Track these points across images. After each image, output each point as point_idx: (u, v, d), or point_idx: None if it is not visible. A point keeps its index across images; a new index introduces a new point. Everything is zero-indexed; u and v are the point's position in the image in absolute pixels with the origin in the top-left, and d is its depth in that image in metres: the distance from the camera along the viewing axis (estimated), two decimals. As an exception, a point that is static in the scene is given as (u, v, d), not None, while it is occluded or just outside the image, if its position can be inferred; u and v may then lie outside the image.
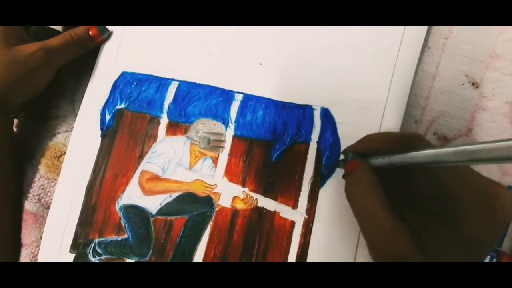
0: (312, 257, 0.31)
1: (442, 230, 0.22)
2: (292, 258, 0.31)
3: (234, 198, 0.33)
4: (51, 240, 0.34)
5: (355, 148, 0.26)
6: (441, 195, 0.22)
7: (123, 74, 0.36)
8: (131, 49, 0.36)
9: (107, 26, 0.36)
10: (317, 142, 0.33)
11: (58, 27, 0.39)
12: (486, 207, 0.20)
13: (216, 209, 0.33)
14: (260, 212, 0.32)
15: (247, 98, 0.34)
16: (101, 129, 0.35)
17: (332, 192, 0.32)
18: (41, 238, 0.35)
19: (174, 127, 0.35)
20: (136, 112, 0.35)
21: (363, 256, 0.30)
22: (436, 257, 0.21)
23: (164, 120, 0.35)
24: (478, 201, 0.21)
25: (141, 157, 0.34)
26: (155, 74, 0.36)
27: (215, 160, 0.34)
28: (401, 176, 0.25)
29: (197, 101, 0.35)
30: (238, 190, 0.33)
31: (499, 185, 0.21)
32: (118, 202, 0.34)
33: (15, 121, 0.39)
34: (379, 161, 0.24)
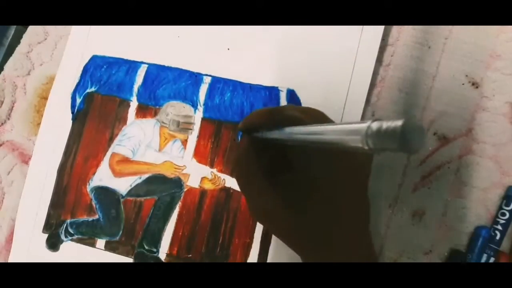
0: (277, 235, 0.32)
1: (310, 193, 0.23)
2: (257, 236, 0.32)
3: (203, 178, 0.33)
4: (25, 221, 0.35)
5: (239, 126, 0.27)
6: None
7: (93, 58, 0.36)
8: (101, 32, 0.36)
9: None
10: (283, 123, 0.33)
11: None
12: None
13: (185, 190, 0.34)
14: (227, 192, 0.33)
15: (215, 80, 0.35)
16: (72, 113, 0.36)
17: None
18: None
19: (144, 110, 0.35)
20: (106, 95, 0.36)
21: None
22: (301, 213, 0.23)
23: (133, 103, 0.35)
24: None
25: (111, 139, 0.35)
26: (125, 58, 0.36)
27: (184, 142, 0.34)
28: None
29: (166, 84, 0.35)
30: (206, 171, 0.34)
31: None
32: (89, 184, 0.35)
33: None
34: (265, 135, 0.25)
